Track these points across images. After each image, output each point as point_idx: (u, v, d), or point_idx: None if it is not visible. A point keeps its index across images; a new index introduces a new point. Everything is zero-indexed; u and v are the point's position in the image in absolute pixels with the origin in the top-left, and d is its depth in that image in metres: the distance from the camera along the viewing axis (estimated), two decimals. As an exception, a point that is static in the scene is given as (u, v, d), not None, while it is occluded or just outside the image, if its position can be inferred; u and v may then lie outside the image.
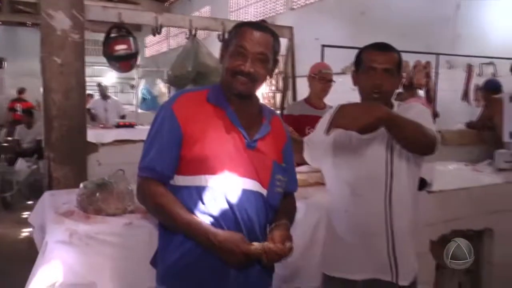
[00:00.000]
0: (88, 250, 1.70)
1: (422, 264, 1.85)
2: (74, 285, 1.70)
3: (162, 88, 8.29)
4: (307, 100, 3.14)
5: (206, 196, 1.44)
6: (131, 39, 3.13)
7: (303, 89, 4.59)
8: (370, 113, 1.49)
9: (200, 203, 1.45)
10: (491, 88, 5.24)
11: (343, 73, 7.95)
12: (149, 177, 1.49)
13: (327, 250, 1.93)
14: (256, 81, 1.48)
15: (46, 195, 2.23)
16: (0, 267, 4.04)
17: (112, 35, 3.15)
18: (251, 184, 1.46)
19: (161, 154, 1.46)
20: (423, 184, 2.18)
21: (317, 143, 1.92)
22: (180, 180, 1.48)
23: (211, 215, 1.44)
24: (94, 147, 3.10)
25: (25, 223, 5.35)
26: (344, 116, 1.51)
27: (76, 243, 1.70)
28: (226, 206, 1.44)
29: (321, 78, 3.07)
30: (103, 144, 3.28)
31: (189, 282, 1.48)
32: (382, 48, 1.76)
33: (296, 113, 3.05)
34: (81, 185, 1.90)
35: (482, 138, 5.27)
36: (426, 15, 6.56)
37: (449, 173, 2.78)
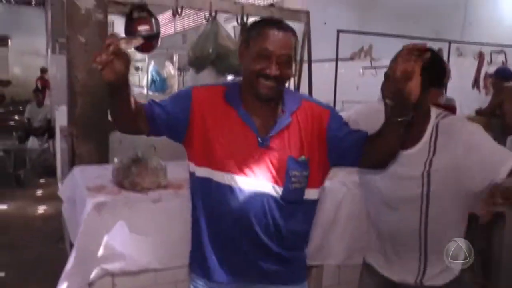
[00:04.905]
0: (116, 223, 1.79)
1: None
2: (105, 257, 1.79)
3: (171, 70, 8.31)
4: None
5: (211, 189, 1.46)
6: (153, 20, 3.16)
7: (314, 75, 4.65)
8: None
9: (205, 195, 1.49)
10: (502, 76, 5.29)
11: (351, 59, 8.00)
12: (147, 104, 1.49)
13: (370, 240, 1.85)
14: (282, 83, 1.45)
15: (76, 170, 2.30)
16: (13, 243, 4.17)
17: (134, 16, 3.18)
18: (259, 185, 1.44)
19: (164, 106, 1.45)
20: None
21: None
22: (194, 168, 1.51)
23: (210, 209, 1.48)
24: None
25: (39, 200, 5.52)
26: None
27: (105, 216, 1.78)
28: (227, 204, 1.44)
29: None
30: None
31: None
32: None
33: None
34: (116, 159, 1.98)
35: (491, 125, 5.34)
36: (437, 2, 6.55)
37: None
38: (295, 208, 1.50)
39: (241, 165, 1.44)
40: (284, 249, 1.50)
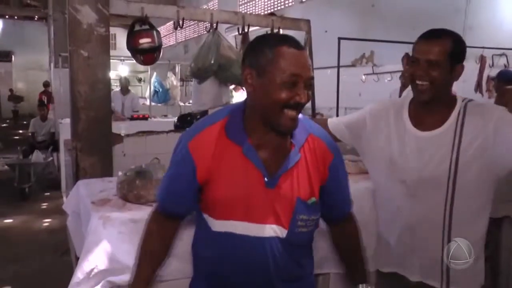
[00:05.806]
0: (121, 236, 1.78)
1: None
2: (111, 270, 1.78)
3: (173, 81, 8.36)
4: None
5: (211, 235, 1.37)
6: (154, 32, 3.18)
7: (316, 82, 4.66)
8: None
9: (212, 248, 1.39)
10: (504, 79, 5.27)
11: (353, 65, 8.01)
12: (159, 210, 1.50)
13: (379, 246, 1.82)
14: (302, 109, 1.29)
15: (81, 184, 2.30)
16: (19, 256, 4.19)
17: (136, 28, 3.21)
18: (266, 230, 1.32)
19: (174, 195, 1.42)
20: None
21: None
22: (201, 215, 1.43)
23: (210, 252, 1.40)
24: (119, 138, 3.17)
25: (44, 214, 5.53)
26: None
27: (110, 229, 1.77)
28: (235, 253, 1.35)
29: None
30: (127, 136, 3.35)
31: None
32: (429, 36, 1.57)
33: None
34: (120, 172, 1.98)
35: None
36: (436, 7, 6.57)
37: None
38: (300, 250, 1.44)
39: (244, 209, 1.31)
40: (290, 282, 1.42)
